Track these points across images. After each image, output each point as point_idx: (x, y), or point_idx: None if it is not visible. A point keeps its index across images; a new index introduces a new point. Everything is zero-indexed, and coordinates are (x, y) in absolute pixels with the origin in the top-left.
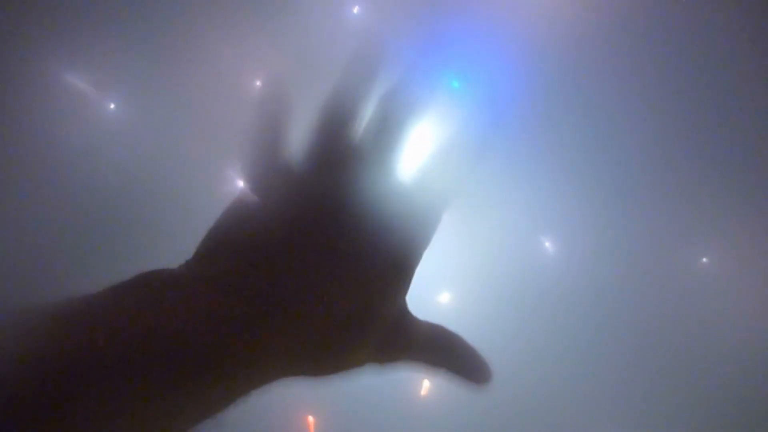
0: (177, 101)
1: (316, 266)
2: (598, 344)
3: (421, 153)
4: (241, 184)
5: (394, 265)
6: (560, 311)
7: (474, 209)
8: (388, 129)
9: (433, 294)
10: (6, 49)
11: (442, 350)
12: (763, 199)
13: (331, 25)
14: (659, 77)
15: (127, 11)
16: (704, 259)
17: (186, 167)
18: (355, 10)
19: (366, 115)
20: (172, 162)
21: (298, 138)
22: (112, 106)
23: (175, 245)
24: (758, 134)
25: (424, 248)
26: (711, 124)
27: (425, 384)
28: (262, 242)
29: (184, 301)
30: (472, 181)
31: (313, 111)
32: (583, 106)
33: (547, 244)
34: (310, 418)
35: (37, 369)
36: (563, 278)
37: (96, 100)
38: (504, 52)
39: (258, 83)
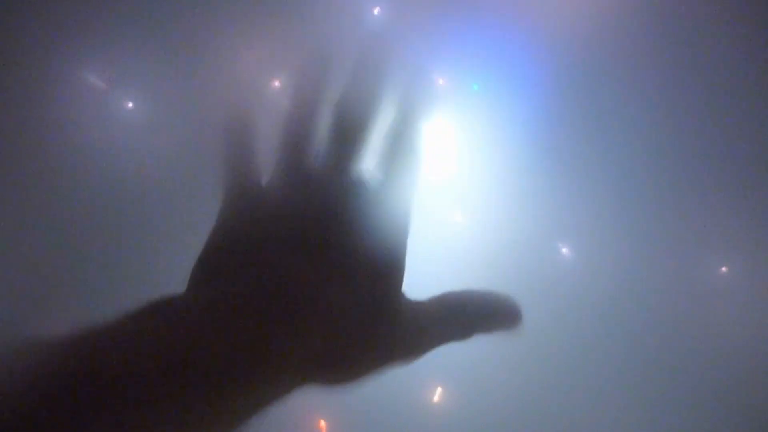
0: (195, 100)
1: (314, 275)
2: (613, 352)
3: (376, 152)
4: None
5: (384, 258)
6: (576, 319)
7: (491, 215)
8: (342, 136)
9: None
10: (27, 49)
11: (458, 315)
12: None
13: (352, 25)
14: (679, 85)
15: (145, 12)
16: (723, 269)
17: (204, 165)
18: (376, 11)
19: (323, 127)
20: (189, 160)
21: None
22: (131, 104)
23: (188, 243)
24: None
25: (407, 237)
26: (732, 135)
27: (438, 390)
28: (255, 261)
29: (197, 324)
30: (421, 164)
31: (274, 134)
32: (602, 114)
33: (564, 250)
34: (323, 423)
35: (47, 396)
36: (580, 285)
37: (114, 98)
38: (523, 56)
39: (276, 83)
